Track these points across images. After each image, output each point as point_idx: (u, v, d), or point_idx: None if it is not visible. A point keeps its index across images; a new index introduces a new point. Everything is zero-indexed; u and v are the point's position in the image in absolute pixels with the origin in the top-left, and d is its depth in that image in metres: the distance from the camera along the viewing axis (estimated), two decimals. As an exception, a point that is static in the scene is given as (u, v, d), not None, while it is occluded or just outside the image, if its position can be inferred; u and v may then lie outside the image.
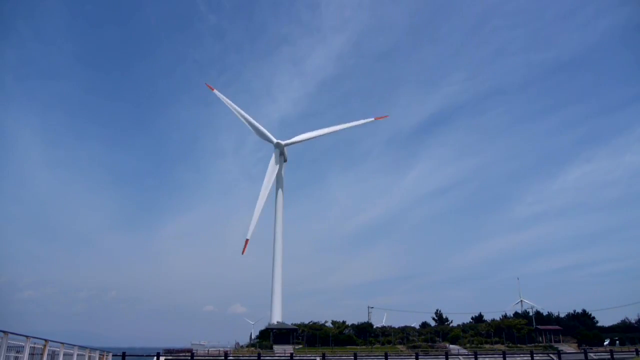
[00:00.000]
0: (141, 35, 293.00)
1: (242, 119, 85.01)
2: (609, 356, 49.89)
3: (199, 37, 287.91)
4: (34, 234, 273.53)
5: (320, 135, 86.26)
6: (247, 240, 75.58)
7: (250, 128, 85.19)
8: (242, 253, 75.44)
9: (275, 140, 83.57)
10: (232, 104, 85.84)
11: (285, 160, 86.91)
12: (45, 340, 20.17)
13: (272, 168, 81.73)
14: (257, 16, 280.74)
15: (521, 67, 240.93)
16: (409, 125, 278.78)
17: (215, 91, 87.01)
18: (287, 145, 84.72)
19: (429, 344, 72.24)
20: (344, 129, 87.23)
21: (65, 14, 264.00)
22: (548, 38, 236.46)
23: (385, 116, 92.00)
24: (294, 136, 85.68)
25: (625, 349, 64.33)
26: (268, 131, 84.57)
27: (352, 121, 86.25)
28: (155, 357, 45.85)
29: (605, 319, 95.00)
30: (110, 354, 32.94)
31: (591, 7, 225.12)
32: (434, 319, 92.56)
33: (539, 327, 77.80)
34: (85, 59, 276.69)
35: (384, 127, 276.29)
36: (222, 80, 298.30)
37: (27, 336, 18.15)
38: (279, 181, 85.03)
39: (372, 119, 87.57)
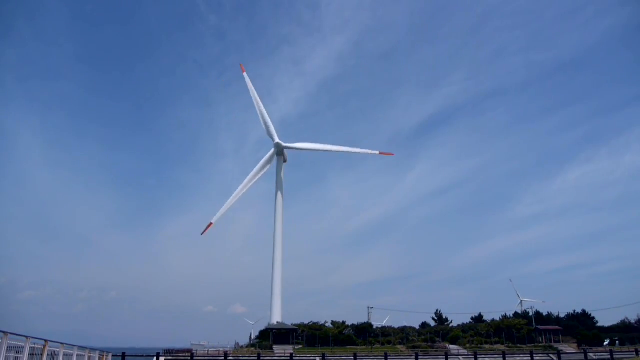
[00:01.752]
0: (141, 36, 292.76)
1: (257, 109, 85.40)
2: (609, 356, 49.89)
3: (200, 37, 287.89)
4: (34, 234, 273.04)
5: (321, 150, 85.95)
6: (211, 223, 78.42)
7: (260, 119, 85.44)
8: (202, 234, 78.91)
9: (275, 140, 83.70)
10: (254, 92, 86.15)
11: (285, 161, 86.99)
12: (45, 340, 20.17)
13: (264, 163, 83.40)
14: (258, 17, 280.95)
15: (521, 67, 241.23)
16: (409, 125, 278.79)
17: (245, 74, 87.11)
18: (287, 148, 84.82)
19: (429, 344, 72.24)
20: (346, 152, 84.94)
21: (66, 14, 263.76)
22: (548, 38, 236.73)
23: (391, 154, 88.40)
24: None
25: (625, 349, 64.35)
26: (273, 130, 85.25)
27: (357, 146, 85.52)
28: (155, 358, 45.82)
29: (605, 319, 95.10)
30: (110, 354, 32.91)
31: (591, 7, 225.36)
32: (433, 319, 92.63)
33: (538, 327, 77.82)
34: (85, 59, 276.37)
35: (384, 127, 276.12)
36: (222, 80, 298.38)
37: (26, 336, 18.17)
38: (278, 182, 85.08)
39: (377, 152, 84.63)
